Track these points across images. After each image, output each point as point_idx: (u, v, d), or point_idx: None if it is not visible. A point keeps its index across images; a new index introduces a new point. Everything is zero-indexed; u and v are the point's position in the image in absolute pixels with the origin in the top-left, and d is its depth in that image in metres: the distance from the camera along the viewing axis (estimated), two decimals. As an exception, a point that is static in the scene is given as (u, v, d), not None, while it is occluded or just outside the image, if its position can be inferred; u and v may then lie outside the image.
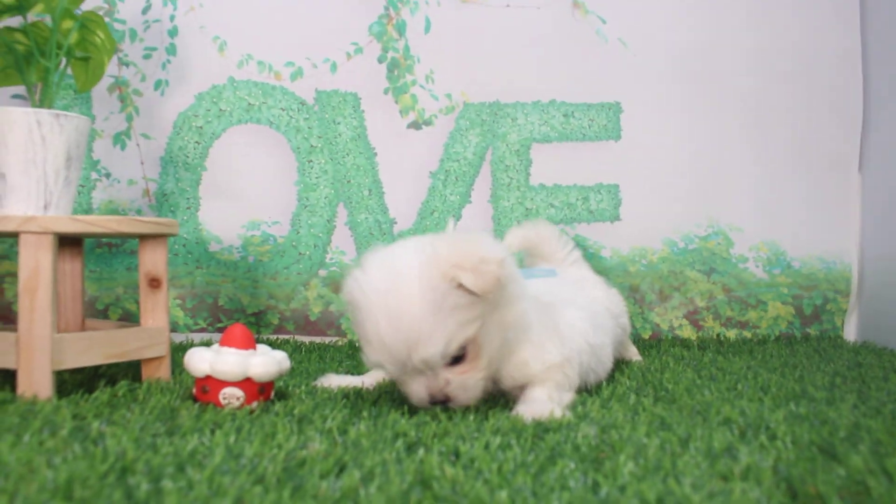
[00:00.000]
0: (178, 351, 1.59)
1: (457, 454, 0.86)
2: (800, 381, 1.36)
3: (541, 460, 0.83)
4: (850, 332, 2.03)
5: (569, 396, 1.18)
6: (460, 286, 1.04)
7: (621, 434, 0.94)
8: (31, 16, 1.35)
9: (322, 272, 1.89)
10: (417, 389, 1.09)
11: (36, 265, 1.14)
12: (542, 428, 0.98)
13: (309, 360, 1.59)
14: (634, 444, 0.90)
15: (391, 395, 1.22)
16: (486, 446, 0.88)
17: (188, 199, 1.85)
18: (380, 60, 1.92)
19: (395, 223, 1.91)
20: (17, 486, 0.71)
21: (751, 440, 0.93)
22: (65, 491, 0.70)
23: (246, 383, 1.13)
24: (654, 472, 0.79)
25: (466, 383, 1.09)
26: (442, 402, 1.10)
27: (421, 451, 0.86)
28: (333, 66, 1.90)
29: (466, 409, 1.10)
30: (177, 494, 0.70)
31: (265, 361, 1.14)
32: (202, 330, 1.85)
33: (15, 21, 1.36)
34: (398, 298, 1.04)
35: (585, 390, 1.28)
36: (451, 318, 1.05)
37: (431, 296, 1.04)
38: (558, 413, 1.07)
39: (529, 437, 0.93)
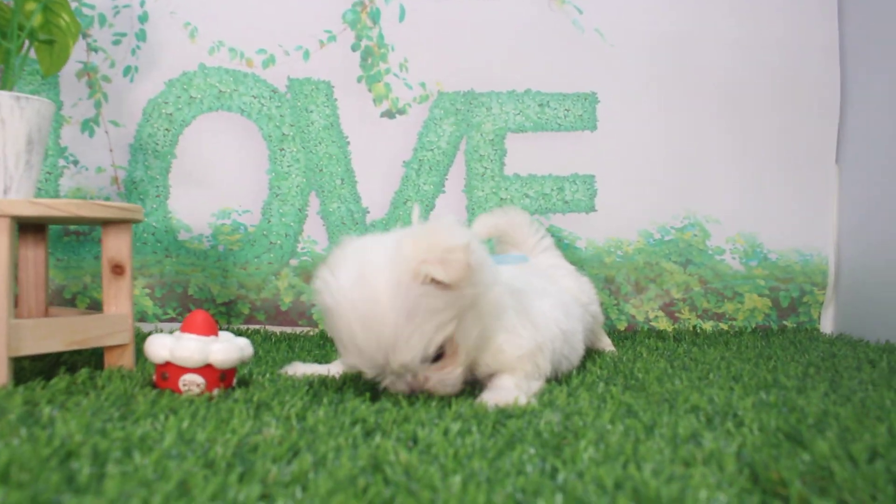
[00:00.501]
0: (144, 341, 1.57)
1: (415, 440, 0.84)
2: (773, 372, 1.35)
3: (499, 446, 0.81)
4: (827, 325, 2.02)
5: (537, 385, 1.16)
6: (432, 281, 1.02)
7: (585, 421, 0.93)
8: (-6, -3, 1.33)
9: (293, 262, 1.87)
10: (399, 386, 1.08)
11: (-9, 249, 1.11)
12: (505, 415, 0.96)
13: (277, 350, 1.57)
14: (597, 430, 0.88)
15: (355, 383, 1.20)
16: (445, 432, 0.86)
17: (157, 187, 1.82)
18: (353, 48, 1.89)
19: (368, 212, 1.89)
20: (-46, 470, 0.68)
21: (717, 427, 0.91)
22: (2, 474, 0.67)
23: (206, 370, 1.10)
24: (615, 458, 0.77)
25: (446, 379, 1.08)
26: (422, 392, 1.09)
27: (378, 437, 0.84)
28: (306, 54, 1.88)
29: (429, 397, 1.08)
30: (119, 479, 0.68)
31: (226, 348, 1.11)
32: (172, 320, 1.83)
33: (-23, 2, 1.33)
34: (371, 305, 1.01)
35: (556, 379, 1.26)
36: (426, 321, 1.02)
37: (404, 301, 1.01)
38: (523, 401, 1.05)
39: (490, 423, 0.91)
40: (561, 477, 0.71)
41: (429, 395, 1.09)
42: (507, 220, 1.65)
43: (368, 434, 0.87)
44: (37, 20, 1.37)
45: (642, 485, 0.68)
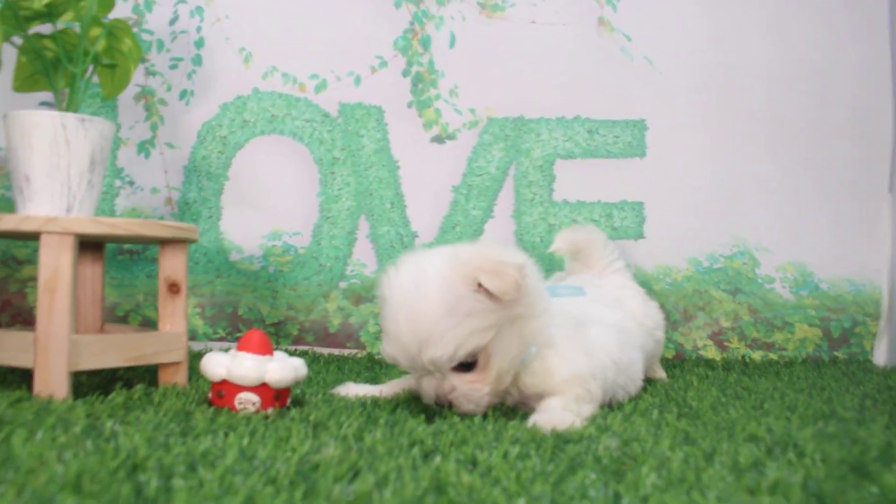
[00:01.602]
0: (196, 358, 1.58)
1: (474, 462, 0.84)
2: (828, 402, 1.33)
3: (560, 470, 0.80)
4: (880, 357, 1.98)
5: (588, 408, 1.16)
6: (479, 288, 1.07)
7: (644, 447, 0.92)
8: (60, 23, 1.36)
9: (342, 284, 1.88)
10: (427, 387, 1.13)
11: (56, 266, 1.14)
12: (562, 439, 0.96)
13: (327, 371, 1.58)
14: (657, 456, 0.87)
15: (409, 405, 1.20)
16: (505, 455, 0.86)
17: (210, 208, 1.85)
18: (404, 74, 1.91)
19: (417, 236, 1.90)
20: (26, 479, 0.69)
21: (778, 456, 0.90)
22: (74, 485, 0.68)
23: (262, 388, 1.11)
24: (678, 485, 0.77)
25: (471, 394, 1.11)
26: (448, 405, 1.12)
27: (437, 459, 0.84)
28: (358, 80, 1.90)
29: (484, 419, 1.08)
30: (186, 492, 0.69)
31: (282, 367, 1.12)
32: (221, 339, 1.84)
33: (45, 28, 1.37)
34: (418, 297, 1.08)
35: (609, 406, 1.26)
36: (464, 322, 1.07)
37: (448, 298, 1.07)
38: (578, 424, 1.05)
39: (549, 447, 0.91)
40: (625, 502, 0.70)
41: (471, 419, 1.09)
42: (585, 238, 1.65)
43: (427, 456, 0.87)
44: (101, 45, 1.40)
45: (710, 511, 0.67)
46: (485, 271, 1.07)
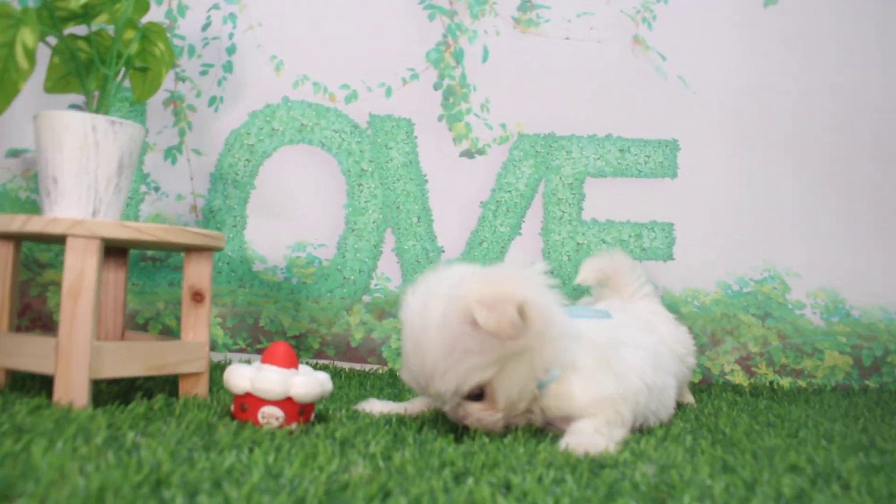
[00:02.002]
0: (216, 370, 1.56)
1: (508, 486, 0.81)
2: (865, 432, 1.29)
3: (599, 497, 0.77)
4: (912, 388, 1.94)
5: (620, 433, 1.13)
6: (475, 323, 1.04)
7: (682, 475, 0.88)
8: (95, 25, 1.35)
9: (366, 298, 1.86)
10: (446, 408, 1.12)
11: (81, 270, 1.12)
12: (597, 464, 0.93)
13: (349, 386, 1.55)
14: (698, 485, 0.84)
15: (435, 424, 1.17)
16: (539, 479, 0.83)
17: (235, 216, 1.83)
18: (435, 87, 1.89)
19: (444, 252, 1.87)
20: (47, 492, 0.67)
21: (823, 488, 0.87)
22: (97, 499, 0.66)
23: (286, 403, 1.09)
24: (722, 517, 0.73)
25: (484, 420, 1.11)
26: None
27: (470, 482, 0.81)
28: (388, 91, 1.88)
29: (515, 440, 1.05)
30: (213, 510, 0.66)
31: (307, 381, 1.10)
32: (241, 350, 1.82)
33: (78, 30, 1.36)
34: (421, 330, 1.08)
35: (640, 431, 1.22)
36: (462, 361, 1.06)
37: (446, 334, 1.05)
38: (612, 449, 1.02)
39: (584, 471, 0.88)
40: (670, 535, 0.67)
41: (514, 438, 1.07)
42: (612, 264, 1.61)
43: (458, 477, 0.84)
44: (134, 48, 1.39)
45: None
46: (482, 307, 1.03)
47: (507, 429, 1.14)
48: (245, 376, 1.09)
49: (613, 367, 1.18)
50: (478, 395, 1.09)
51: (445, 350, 1.05)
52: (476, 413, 1.10)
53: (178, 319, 1.80)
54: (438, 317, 1.06)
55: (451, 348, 1.05)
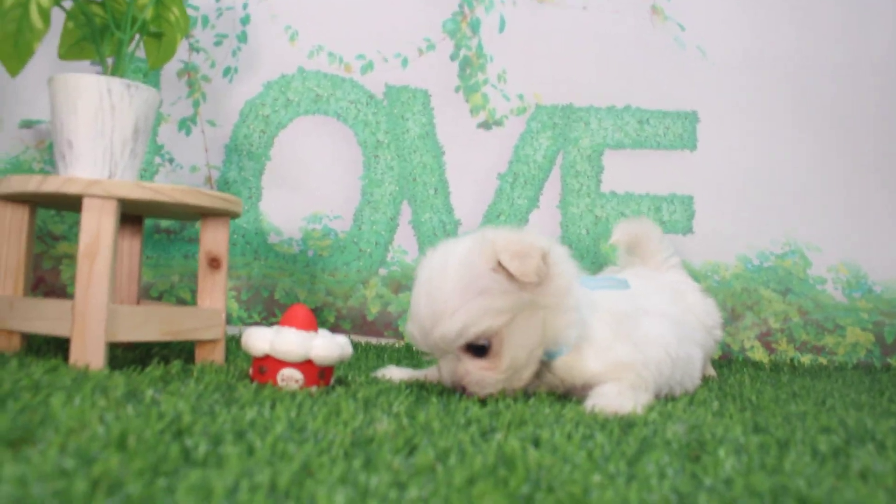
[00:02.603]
0: (232, 341, 1.55)
1: (536, 442, 0.79)
2: (893, 402, 1.27)
3: (632, 450, 0.75)
4: (935, 364, 1.91)
5: (645, 397, 1.11)
6: (499, 267, 1.05)
7: (713, 433, 0.86)
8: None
9: (382, 271, 1.83)
10: (444, 369, 1.10)
11: (98, 230, 1.10)
12: (626, 422, 0.91)
13: (366, 359, 1.53)
14: (731, 442, 0.82)
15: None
16: (569, 436, 0.81)
17: (250, 188, 1.81)
18: (452, 58, 1.87)
19: (461, 224, 1.85)
20: (67, 439, 0.65)
21: (858, 447, 0.84)
22: (118, 443, 0.64)
23: (306, 365, 1.07)
24: (759, 470, 0.71)
25: (484, 380, 1.07)
26: (462, 390, 1.09)
27: (498, 436, 0.79)
28: (405, 61, 1.86)
29: (541, 402, 1.03)
30: (237, 458, 0.64)
31: (327, 344, 1.08)
32: (256, 324, 1.80)
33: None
34: (438, 273, 1.07)
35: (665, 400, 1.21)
36: (476, 300, 1.04)
37: (464, 273, 1.05)
38: (639, 410, 1.00)
39: (613, 429, 0.86)
40: (708, 482, 0.65)
41: (538, 400, 1.05)
42: (644, 231, 1.59)
43: (484, 434, 0.82)
44: (149, 13, 1.37)
45: (807, 495, 0.61)
46: (507, 251, 1.05)
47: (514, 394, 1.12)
48: (264, 338, 1.08)
49: (633, 336, 1.17)
50: (481, 349, 1.06)
51: (462, 287, 1.04)
52: (476, 371, 1.07)
53: (193, 293, 1.78)
54: (461, 255, 1.07)
55: (467, 286, 1.04)
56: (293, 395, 0.98)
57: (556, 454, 0.72)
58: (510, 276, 1.05)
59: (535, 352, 1.09)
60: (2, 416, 0.71)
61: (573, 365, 1.13)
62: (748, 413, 1.05)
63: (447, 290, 1.05)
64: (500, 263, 1.05)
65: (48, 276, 1.76)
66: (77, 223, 1.71)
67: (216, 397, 0.91)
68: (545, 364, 1.13)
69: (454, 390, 1.09)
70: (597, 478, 0.63)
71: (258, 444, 0.69)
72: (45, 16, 1.20)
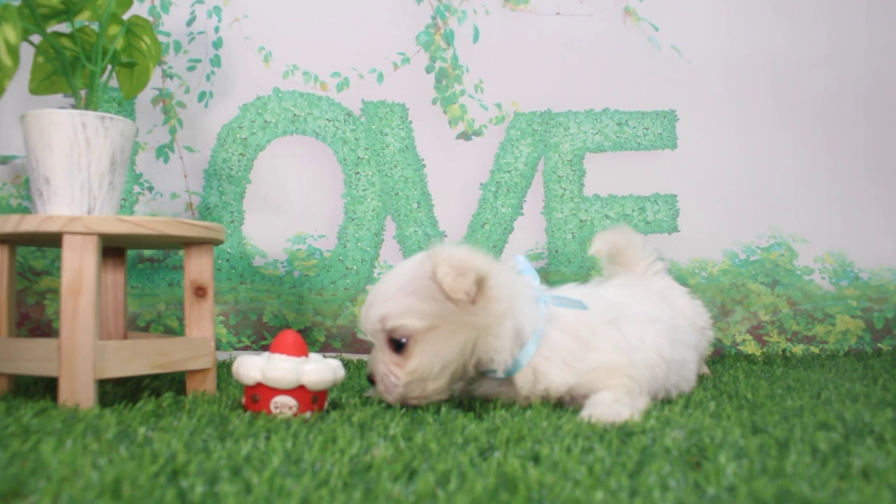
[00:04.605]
0: (223, 368, 1.53)
1: (536, 458, 0.78)
2: (887, 390, 1.27)
3: (632, 462, 0.75)
4: (926, 347, 1.92)
5: (641, 400, 1.11)
6: (433, 277, 1.09)
7: (713, 437, 0.86)
8: (77, 21, 1.31)
9: (370, 287, 1.82)
10: (371, 356, 1.17)
11: (79, 268, 1.09)
12: (624, 432, 0.90)
13: (359, 376, 1.52)
14: (731, 445, 0.81)
15: (453, 405, 1.14)
16: (568, 450, 0.80)
17: (232, 212, 1.80)
18: (427, 70, 1.86)
19: (446, 236, 1.84)
20: (60, 487, 0.64)
21: (858, 443, 0.84)
22: (112, 491, 0.63)
23: (299, 391, 1.06)
24: (761, 474, 0.71)
25: (387, 379, 1.12)
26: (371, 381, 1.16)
27: (497, 455, 0.78)
28: (380, 77, 1.85)
29: (537, 415, 1.02)
30: (234, 497, 0.63)
31: (319, 368, 1.07)
32: (246, 348, 1.79)
33: (63, 27, 1.32)
34: (391, 272, 1.19)
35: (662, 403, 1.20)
36: (407, 297, 1.10)
37: (404, 275, 1.14)
38: (637, 417, 0.99)
39: (612, 440, 0.85)
40: (711, 492, 0.64)
41: (535, 413, 1.05)
42: (625, 240, 1.59)
43: (483, 453, 0.81)
44: (119, 43, 1.36)
45: (812, 499, 0.61)
46: (445, 264, 1.09)
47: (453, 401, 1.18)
48: (255, 366, 1.06)
49: (615, 342, 1.18)
50: (400, 345, 1.11)
51: (400, 284, 1.13)
52: (385, 365, 1.12)
53: (180, 320, 1.76)
54: (413, 261, 1.15)
55: (404, 284, 1.12)
56: (288, 423, 0.96)
57: (556, 471, 0.72)
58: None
59: (449, 367, 1.11)
60: (-8, 467, 0.69)
61: (537, 378, 1.15)
62: (745, 412, 1.05)
63: (389, 283, 1.15)
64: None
65: (33, 312, 1.74)
66: (59, 257, 1.70)
67: (210, 431, 0.90)
68: (507, 381, 1.17)
69: (370, 383, 1.16)
70: (599, 495, 0.62)
71: (255, 480, 0.68)
72: (14, 53, 1.19)
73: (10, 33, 1.18)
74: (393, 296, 1.12)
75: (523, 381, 1.15)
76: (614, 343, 1.17)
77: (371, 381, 1.15)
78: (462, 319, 1.10)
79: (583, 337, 1.17)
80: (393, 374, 1.11)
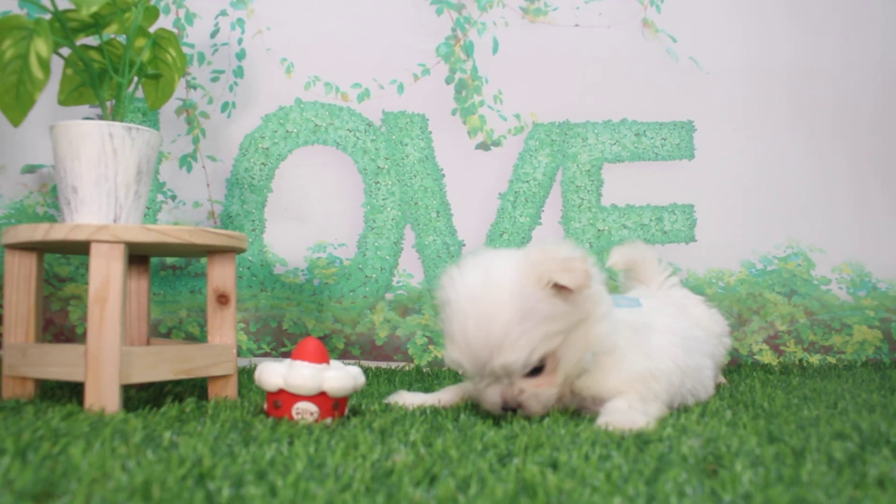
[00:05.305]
0: (243, 374, 1.56)
1: (554, 465, 0.79)
2: (905, 402, 1.27)
3: (650, 469, 0.76)
4: (944, 359, 1.92)
5: (655, 408, 1.12)
6: (555, 286, 1.06)
7: (729, 446, 0.87)
8: (106, 35, 1.34)
9: (389, 296, 1.84)
10: (492, 394, 1.10)
11: (106, 275, 1.11)
12: (641, 439, 0.91)
13: (378, 384, 1.54)
14: (747, 454, 0.82)
15: (471, 411, 1.16)
16: (586, 457, 0.82)
17: (253, 220, 1.83)
18: (447, 81, 1.88)
19: (464, 245, 1.86)
20: (91, 489, 0.66)
21: (874, 452, 0.85)
22: (143, 492, 0.65)
23: (320, 398, 1.08)
24: (777, 482, 0.72)
25: (540, 395, 1.09)
26: (513, 410, 1.09)
27: (516, 461, 0.80)
28: (401, 88, 1.87)
29: (555, 422, 1.04)
30: (261, 500, 0.65)
31: (340, 375, 1.09)
32: (266, 354, 1.81)
33: (92, 40, 1.35)
34: (489, 302, 1.06)
35: (678, 410, 1.21)
36: (537, 328, 1.05)
37: (522, 303, 1.05)
38: (652, 425, 1.01)
39: (629, 447, 0.86)
40: (727, 499, 0.66)
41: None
42: (639, 255, 1.60)
43: (502, 459, 0.83)
44: (146, 55, 1.38)
45: (825, 508, 0.62)
46: (556, 270, 1.05)
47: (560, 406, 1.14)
48: (277, 373, 1.08)
49: (644, 348, 1.19)
50: (537, 369, 1.08)
51: (521, 317, 1.04)
52: (531, 389, 1.08)
53: (202, 327, 1.79)
54: (511, 285, 1.06)
55: (527, 315, 1.04)
56: (310, 429, 0.98)
57: (574, 477, 0.73)
58: (563, 296, 1.07)
59: (582, 360, 1.11)
60: (24, 469, 0.71)
61: (593, 374, 1.14)
62: (762, 421, 1.06)
63: (504, 320, 1.04)
64: (554, 284, 1.06)
65: (57, 318, 1.77)
66: (83, 264, 1.73)
67: (234, 436, 0.92)
68: None
69: (503, 411, 1.09)
70: (617, 501, 0.64)
71: (280, 483, 0.70)
72: (45, 66, 1.22)
73: (42, 47, 1.21)
74: (523, 332, 1.04)
75: (582, 380, 1.14)
76: (645, 349, 1.19)
77: (507, 410, 1.09)
78: (581, 317, 1.10)
79: (631, 338, 1.18)
80: (544, 391, 1.09)
